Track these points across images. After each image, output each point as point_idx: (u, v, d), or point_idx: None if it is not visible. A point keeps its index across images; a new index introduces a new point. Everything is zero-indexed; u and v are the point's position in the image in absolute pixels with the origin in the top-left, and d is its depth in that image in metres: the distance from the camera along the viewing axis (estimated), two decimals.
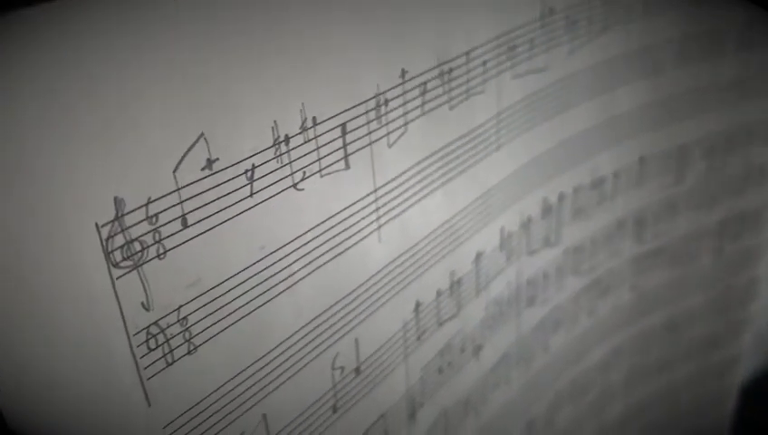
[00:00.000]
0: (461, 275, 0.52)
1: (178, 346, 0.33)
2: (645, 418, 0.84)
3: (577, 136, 0.59)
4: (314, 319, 0.40)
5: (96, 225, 0.29)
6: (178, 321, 0.33)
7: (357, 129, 0.39)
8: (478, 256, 0.53)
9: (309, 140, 0.36)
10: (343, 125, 0.38)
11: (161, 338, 0.33)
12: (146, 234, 0.31)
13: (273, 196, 0.35)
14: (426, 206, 0.46)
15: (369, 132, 0.40)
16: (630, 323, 0.75)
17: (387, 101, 0.40)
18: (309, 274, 0.39)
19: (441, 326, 0.52)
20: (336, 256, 0.40)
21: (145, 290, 0.31)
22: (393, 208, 0.43)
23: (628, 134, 0.63)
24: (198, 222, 0.32)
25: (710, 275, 0.79)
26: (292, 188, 0.36)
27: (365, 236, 0.42)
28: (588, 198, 0.63)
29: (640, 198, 0.68)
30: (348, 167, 0.39)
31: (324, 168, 0.38)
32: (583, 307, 0.69)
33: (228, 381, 0.36)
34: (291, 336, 0.39)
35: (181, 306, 0.33)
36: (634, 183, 0.67)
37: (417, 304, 0.49)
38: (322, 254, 0.39)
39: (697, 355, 0.84)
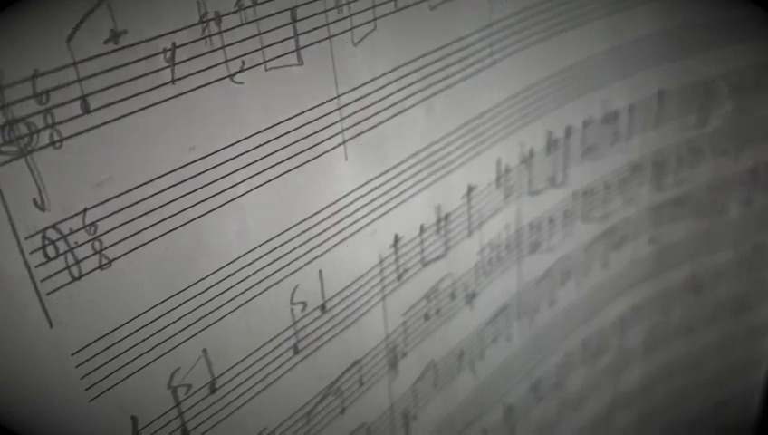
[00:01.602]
0: (449, 210, 0.46)
1: (86, 258, 0.28)
2: (665, 386, 0.77)
3: (586, 60, 0.52)
4: (266, 242, 0.35)
5: None
6: (85, 227, 0.28)
7: (311, 17, 0.33)
8: (470, 190, 0.47)
9: (248, 22, 0.31)
10: (293, 10, 0.32)
11: (62, 246, 0.28)
12: (34, 115, 0.25)
13: (203, 86, 0.30)
14: (403, 124, 0.40)
15: (328, 23, 0.34)
16: (649, 280, 0.69)
17: None
18: (255, 187, 0.34)
19: (426, 267, 0.46)
20: (290, 171, 0.35)
21: (37, 184, 0.26)
22: (361, 122, 0.38)
23: (644, 63, 0.57)
24: (104, 107, 0.27)
25: (738, 229, 0.72)
26: (228, 80, 0.31)
27: (327, 151, 0.36)
28: (599, 135, 0.56)
29: (659, 138, 0.61)
30: (301, 62, 0.34)
31: (270, 59, 0.32)
32: (596, 259, 0.62)
33: (156, 305, 0.31)
34: (236, 260, 0.34)
35: (87, 209, 0.28)
36: (652, 121, 0.60)
37: (396, 239, 0.43)
38: (272, 165, 0.34)
39: (724, 319, 0.77)
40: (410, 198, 0.43)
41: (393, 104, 0.39)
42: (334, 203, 0.38)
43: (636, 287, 0.68)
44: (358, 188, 0.39)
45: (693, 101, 0.62)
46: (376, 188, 0.40)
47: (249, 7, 0.31)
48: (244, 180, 0.33)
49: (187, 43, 0.29)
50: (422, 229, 0.45)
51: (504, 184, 0.50)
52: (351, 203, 0.39)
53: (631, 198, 0.62)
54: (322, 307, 0.39)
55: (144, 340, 0.31)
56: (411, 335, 0.47)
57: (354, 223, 0.40)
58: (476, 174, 0.47)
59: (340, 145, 0.37)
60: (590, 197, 0.59)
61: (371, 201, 0.40)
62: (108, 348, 0.30)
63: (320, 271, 0.38)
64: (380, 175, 0.40)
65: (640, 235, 0.65)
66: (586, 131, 0.55)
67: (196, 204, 0.31)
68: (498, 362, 0.57)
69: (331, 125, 0.36)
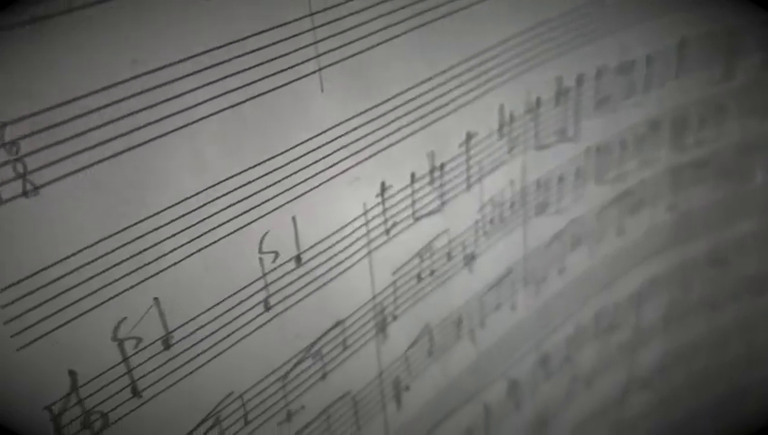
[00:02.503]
0: (445, 159, 0.42)
1: (7, 182, 0.25)
2: (686, 366, 0.72)
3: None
4: (227, 179, 0.31)
5: None
6: (4, 145, 0.24)
7: None
8: (469, 138, 0.43)
9: None
10: None
11: None
12: None
13: None
14: (390, 54, 0.36)
15: None
16: (668, 251, 0.64)
17: None
18: (214, 113, 0.30)
19: (418, 222, 0.42)
20: (256, 97, 0.31)
21: None
22: (340, 47, 0.34)
23: (665, 7, 0.52)
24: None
25: (765, 197, 0.67)
26: None
27: (299, 78, 0.32)
28: (614, 86, 0.52)
29: (680, 93, 0.56)
30: None
31: None
32: (610, 225, 0.58)
33: (95, 243, 0.27)
34: (191, 197, 0.30)
35: (7, 124, 0.24)
36: (672, 73, 0.55)
37: (384, 187, 0.39)
38: (235, 88, 0.30)
39: (749, 296, 0.72)
40: (399, 142, 0.38)
41: (378, 30, 0.35)
42: (309, 140, 0.34)
43: (653, 258, 0.63)
44: (337, 126, 0.35)
45: (717, 52, 0.57)
46: (358, 127, 0.36)
47: None
48: (200, 103, 0.29)
49: None
50: (413, 178, 0.40)
51: (508, 135, 0.46)
52: (330, 142, 0.35)
53: (648, 159, 0.58)
54: (297, 259, 0.35)
55: (81, 283, 0.27)
56: (402, 297, 0.43)
57: (333, 165, 0.35)
58: (476, 120, 0.43)
59: (314, 72, 0.33)
60: (605, 155, 0.54)
61: (353, 142, 0.36)
62: (38, 290, 0.26)
63: (293, 217, 0.34)
64: (363, 112, 0.36)
65: (658, 200, 0.60)
66: (599, 81, 0.51)
67: (142, 127, 0.27)
68: (501, 332, 0.52)
69: (303, 48, 0.32)
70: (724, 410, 0.77)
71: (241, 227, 0.32)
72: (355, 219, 0.38)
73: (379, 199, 0.39)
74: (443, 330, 0.47)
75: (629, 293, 0.63)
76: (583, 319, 0.60)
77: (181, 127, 0.29)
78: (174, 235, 0.30)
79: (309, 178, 0.34)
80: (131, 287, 0.29)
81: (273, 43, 0.31)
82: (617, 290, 0.62)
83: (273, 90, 0.31)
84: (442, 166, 0.42)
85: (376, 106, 0.36)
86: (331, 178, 0.35)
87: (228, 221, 0.32)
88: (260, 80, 0.31)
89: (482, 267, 0.48)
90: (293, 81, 0.32)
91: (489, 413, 0.54)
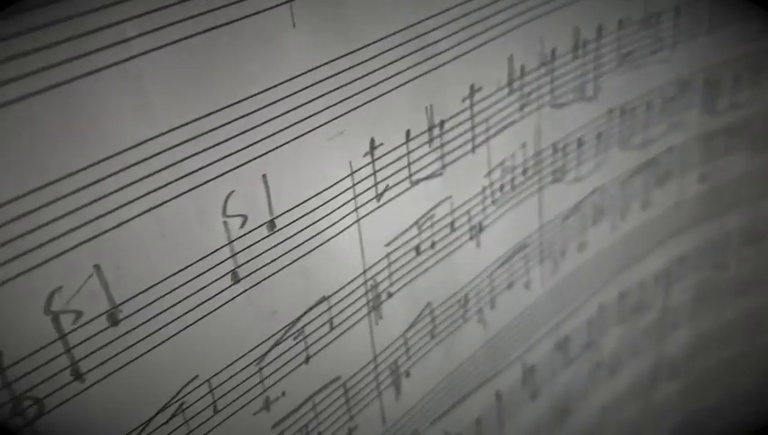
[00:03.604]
0: (445, 116, 0.37)
1: None
2: (718, 354, 0.67)
3: None
4: (179, 127, 0.27)
5: None
6: None
7: None
8: (473, 92, 0.38)
9: None
10: None
11: None
12: None
13: None
14: None
15: None
16: (699, 226, 0.58)
17: None
18: (158, 47, 0.25)
19: (415, 186, 0.37)
20: (211, 29, 0.26)
21: None
22: None
23: None
24: None
25: None
26: None
27: (265, 9, 0.28)
28: (638, 40, 0.46)
29: (712, 50, 0.51)
30: None
31: None
32: (635, 196, 0.53)
33: (19, 197, 0.23)
34: (136, 146, 0.26)
35: None
36: (704, 28, 0.50)
37: (373, 145, 0.34)
38: (183, 19, 0.25)
39: None
40: (389, 93, 0.34)
41: None
42: (281, 85, 0.29)
43: (683, 234, 0.58)
44: (313, 70, 0.30)
45: (755, 3, 0.51)
46: (339, 72, 0.31)
47: None
48: (140, 35, 0.24)
49: None
50: (408, 137, 0.36)
51: (519, 90, 0.41)
52: (305, 89, 0.30)
53: (678, 123, 0.52)
54: (271, 224, 0.31)
55: (4, 244, 0.23)
56: (398, 272, 0.38)
57: (311, 117, 0.31)
58: (480, 73, 0.38)
59: (284, 3, 0.28)
60: (629, 117, 0.49)
61: (334, 90, 0.31)
62: None
63: (263, 176, 0.30)
64: (344, 56, 0.31)
65: (688, 170, 0.55)
66: (621, 34, 0.45)
67: (68, 60, 0.23)
68: (515, 313, 0.48)
69: None
70: (759, 399, 0.71)
71: (199, 185, 0.28)
72: (339, 181, 0.33)
73: (368, 159, 0.34)
74: (447, 310, 0.42)
75: (656, 272, 0.58)
76: (606, 300, 0.55)
77: (118, 62, 0.24)
78: (117, 190, 0.25)
79: (281, 131, 0.30)
80: (66, 252, 0.25)
81: None
82: (642, 269, 0.56)
83: (234, 21, 0.27)
84: (442, 123, 0.37)
85: (360, 48, 0.32)
86: (309, 131, 0.31)
87: (184, 177, 0.27)
88: (217, 9, 0.26)
89: (491, 240, 0.43)
90: (259, 12, 0.27)
91: (502, 402, 0.49)
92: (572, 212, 0.48)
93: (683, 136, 0.53)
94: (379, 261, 0.37)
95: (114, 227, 0.26)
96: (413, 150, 0.36)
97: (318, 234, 0.33)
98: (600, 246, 0.52)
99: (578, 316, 0.53)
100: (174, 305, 0.29)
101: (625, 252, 0.54)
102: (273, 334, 0.33)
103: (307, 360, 0.35)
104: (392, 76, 0.34)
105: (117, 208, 0.26)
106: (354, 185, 0.34)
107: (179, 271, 0.28)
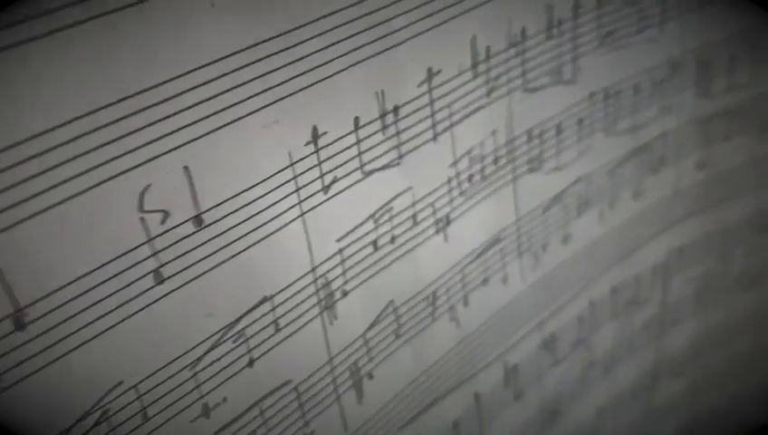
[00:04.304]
0: (399, 101, 0.35)
1: None
2: (724, 351, 0.64)
3: None
4: (80, 118, 0.25)
5: None
6: None
7: None
8: (431, 75, 0.36)
9: None
10: None
11: None
12: None
13: None
14: None
15: None
16: (699, 216, 0.55)
17: None
18: (51, 32, 0.23)
19: (368, 177, 0.35)
20: (115, 11, 0.24)
21: None
22: None
23: None
24: None
25: None
26: None
27: None
28: (620, 18, 0.44)
29: (705, 27, 0.48)
30: None
31: None
32: (625, 185, 0.50)
33: None
34: (29, 139, 0.24)
35: None
36: (695, 4, 0.47)
37: (316, 133, 0.32)
38: (69, 3, 0.23)
39: None
40: (333, 78, 0.31)
41: None
42: (200, 69, 0.27)
43: (681, 224, 0.55)
44: (239, 53, 0.28)
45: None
46: (270, 55, 0.29)
47: None
48: (35, 17, 0.23)
49: None
50: (357, 124, 0.33)
51: (485, 73, 0.38)
52: (229, 73, 0.28)
53: (670, 107, 0.49)
54: (197, 220, 0.29)
55: None
56: (354, 269, 0.36)
57: (240, 102, 0.29)
58: (440, 54, 0.36)
59: None
60: (614, 101, 0.46)
61: (265, 74, 0.29)
62: None
63: (185, 168, 0.28)
64: (276, 37, 0.29)
65: (684, 156, 0.52)
66: (601, 12, 0.42)
67: None
68: (492, 310, 0.45)
69: None
70: None
71: (109, 178, 0.26)
72: (278, 172, 0.31)
73: (311, 148, 0.32)
74: (413, 308, 0.40)
75: (653, 265, 0.55)
76: (598, 295, 0.52)
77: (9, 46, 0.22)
78: (15, 185, 0.24)
79: (202, 119, 0.28)
80: None
81: None
82: (638, 262, 0.54)
83: (143, 2, 0.25)
84: (396, 109, 0.35)
85: (295, 29, 0.29)
86: (235, 119, 0.29)
87: (90, 171, 0.25)
88: None
89: (461, 234, 0.41)
90: None
91: (481, 403, 0.47)
92: (553, 203, 0.46)
93: (677, 120, 0.50)
94: (331, 257, 0.35)
95: (14, 226, 0.24)
96: (364, 139, 0.34)
97: (255, 229, 0.31)
98: (588, 238, 0.49)
99: (565, 313, 0.50)
100: (90, 307, 0.27)
101: (616, 244, 0.51)
102: (209, 337, 0.31)
103: (251, 363, 0.33)
104: (335, 59, 0.31)
105: (12, 206, 0.24)
106: (296, 177, 0.32)
107: (91, 271, 0.26)
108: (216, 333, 0.31)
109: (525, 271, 0.46)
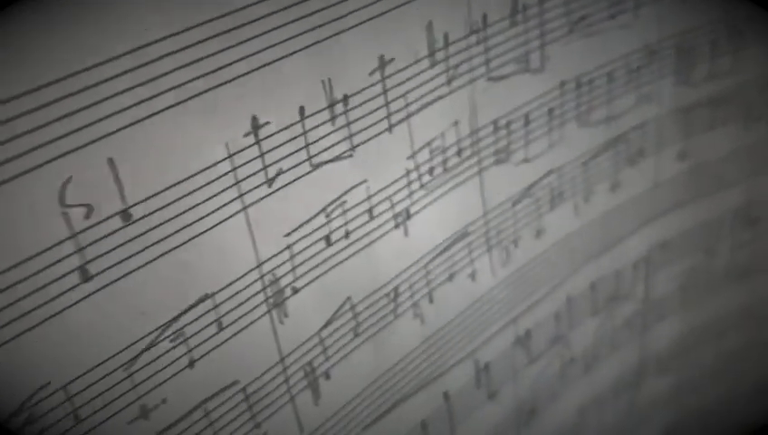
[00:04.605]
0: (349, 90, 0.33)
1: None
2: (713, 347, 0.62)
3: None
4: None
5: None
6: None
7: None
8: (383, 63, 0.34)
9: None
10: None
11: None
12: None
13: None
14: None
15: None
16: (682, 208, 0.54)
17: None
18: None
19: (317, 169, 0.33)
20: None
21: None
22: None
23: None
24: None
25: None
26: None
27: None
28: (592, 3, 0.42)
29: (682, 12, 0.46)
30: None
31: None
32: (602, 177, 0.48)
33: None
34: None
35: None
36: None
37: (256, 124, 0.31)
38: None
39: None
40: (274, 64, 0.30)
41: None
42: (124, 55, 0.26)
43: (664, 217, 0.53)
44: (169, 37, 0.27)
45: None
46: (203, 40, 0.28)
47: None
48: None
49: None
50: (303, 114, 0.32)
51: (444, 62, 0.37)
52: (160, 59, 0.27)
53: (648, 96, 0.47)
54: (125, 215, 0.28)
55: None
56: (305, 265, 0.35)
57: (170, 90, 0.27)
58: (393, 42, 0.34)
59: None
60: (587, 90, 0.44)
61: (197, 60, 0.28)
62: None
63: (109, 159, 0.27)
64: (209, 21, 0.28)
65: (665, 147, 0.50)
66: None
67: None
68: (459, 306, 0.44)
69: None
70: (763, 396, 0.66)
71: (27, 171, 0.25)
72: (214, 164, 0.30)
73: (252, 139, 0.31)
74: (373, 305, 0.38)
75: (634, 259, 0.53)
76: (575, 291, 0.51)
77: None
78: None
79: (131, 107, 0.26)
80: None
81: None
82: (617, 256, 0.52)
83: None
84: (346, 99, 0.33)
85: (231, 12, 0.28)
86: (164, 108, 0.27)
87: (5, 163, 0.24)
88: None
89: (423, 229, 0.39)
90: None
91: (451, 403, 0.45)
92: (524, 196, 0.44)
93: (656, 110, 0.49)
94: (279, 253, 0.33)
95: None
96: (311, 130, 0.33)
97: (192, 224, 0.30)
98: (562, 232, 0.47)
99: (541, 309, 0.49)
100: (9, 306, 0.26)
101: (594, 238, 0.50)
102: (144, 337, 0.30)
103: (192, 364, 0.32)
104: (276, 44, 0.30)
105: None
106: (235, 169, 0.30)
107: (11, 267, 0.25)
108: (152, 332, 0.30)
109: (496, 266, 0.45)
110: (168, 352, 0.31)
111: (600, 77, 0.44)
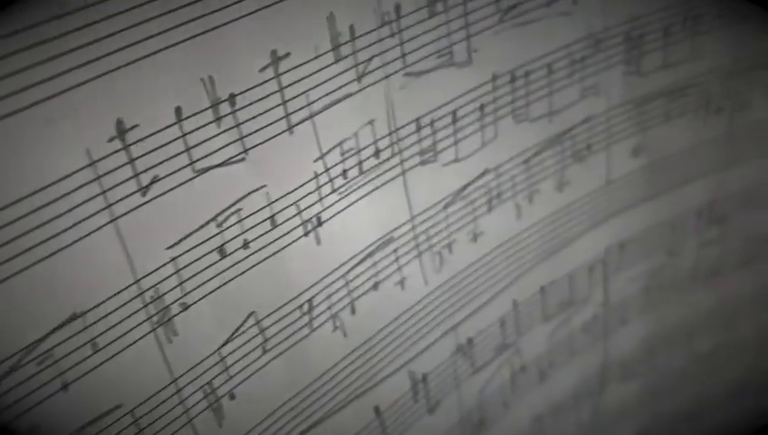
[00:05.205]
0: (236, 89, 0.31)
1: None
2: (684, 349, 0.59)
3: None
4: None
5: None
6: None
7: None
8: (276, 58, 0.31)
9: None
10: None
11: None
12: None
13: None
14: None
15: None
16: (640, 206, 0.50)
17: None
18: None
19: (201, 175, 0.31)
20: None
21: None
22: None
23: None
24: None
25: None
26: None
27: None
28: None
29: None
30: None
31: None
32: (545, 175, 0.45)
33: None
34: None
35: None
36: None
37: (122, 127, 0.28)
38: None
39: (763, 258, 0.58)
40: (141, 61, 0.27)
41: None
42: None
43: (620, 217, 0.50)
44: (16, 34, 0.24)
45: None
46: (56, 37, 0.25)
47: None
48: None
49: None
50: (180, 115, 0.29)
51: (352, 56, 0.34)
52: (4, 58, 0.24)
53: (596, 88, 0.44)
54: None
55: None
56: (195, 279, 0.32)
57: (14, 93, 0.25)
58: (287, 35, 0.31)
59: None
60: (524, 84, 0.41)
61: (47, 60, 0.25)
62: None
63: None
64: (63, 15, 0.25)
65: (616, 142, 0.47)
66: None
67: None
68: (389, 317, 0.41)
69: None
70: (738, 399, 0.63)
71: None
72: (73, 173, 0.27)
73: (118, 145, 0.28)
74: (283, 319, 0.36)
75: (590, 262, 0.50)
76: (523, 295, 0.48)
77: None
78: None
79: None
80: None
81: None
82: (570, 259, 0.49)
83: None
84: (232, 98, 0.31)
85: (93, 4, 0.26)
86: (9, 114, 0.25)
87: None
88: None
89: (338, 236, 0.37)
90: None
91: (384, 418, 0.43)
92: (457, 198, 0.41)
93: (605, 103, 0.45)
94: (161, 268, 0.31)
95: None
96: (191, 132, 0.30)
97: (51, 238, 0.27)
98: (503, 235, 0.45)
99: (484, 316, 0.46)
100: None
101: (541, 241, 0.47)
102: (5, 359, 0.27)
103: (65, 387, 0.29)
104: (144, 39, 0.27)
105: None
106: (99, 177, 0.28)
107: None
108: (14, 355, 0.27)
109: (428, 273, 0.42)
110: (34, 375, 0.28)
111: (537, 69, 0.41)
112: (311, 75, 0.33)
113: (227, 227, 0.32)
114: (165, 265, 0.31)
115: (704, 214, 0.53)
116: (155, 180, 0.29)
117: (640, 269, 0.53)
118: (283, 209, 0.34)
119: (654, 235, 0.52)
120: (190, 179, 0.30)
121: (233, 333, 0.34)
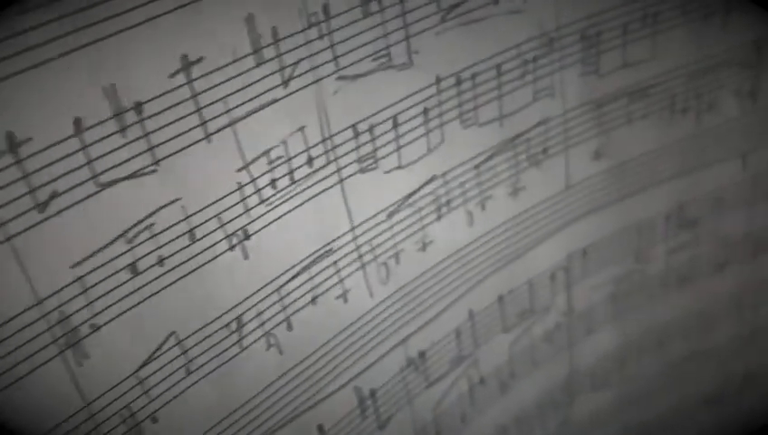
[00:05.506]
0: (142, 97, 0.29)
1: None
2: (656, 357, 0.57)
3: None
4: None
5: None
6: None
7: None
8: (187, 63, 0.30)
9: None
10: None
11: None
12: None
13: None
14: None
15: None
16: (603, 212, 0.48)
17: None
18: None
19: (107, 189, 0.29)
20: None
21: None
22: None
23: None
24: None
25: (743, 132, 0.50)
26: None
27: None
28: None
29: None
30: None
31: None
32: (498, 180, 0.43)
33: None
34: None
35: None
36: None
37: (14, 140, 0.26)
38: None
39: (738, 262, 0.56)
40: (34, 70, 0.26)
41: None
42: None
43: (581, 223, 0.48)
44: None
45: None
46: None
47: None
48: None
49: None
50: (80, 126, 0.27)
51: (277, 59, 0.32)
52: None
53: (550, 90, 0.42)
54: None
55: None
56: (104, 299, 0.30)
57: None
58: (199, 38, 0.29)
59: None
60: (471, 87, 0.39)
61: None
62: None
63: None
64: None
65: (576, 145, 0.45)
66: None
67: None
68: (330, 332, 0.39)
69: None
70: (720, 406, 0.61)
71: None
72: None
73: (10, 159, 0.26)
74: (208, 338, 0.34)
75: (550, 269, 0.48)
76: (478, 305, 0.46)
77: None
78: None
79: None
80: None
81: None
82: (529, 266, 0.47)
83: None
84: (139, 106, 0.29)
85: None
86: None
87: None
88: None
89: (269, 249, 0.35)
90: None
91: None
92: (402, 206, 0.39)
93: (561, 105, 0.43)
94: (66, 287, 0.29)
95: None
96: (93, 144, 0.28)
97: None
98: (454, 243, 0.43)
99: (436, 327, 0.44)
100: None
101: (497, 248, 0.45)
102: None
103: None
104: (36, 46, 0.26)
105: None
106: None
107: None
108: None
109: (373, 285, 0.40)
110: None
111: (485, 71, 0.39)
112: (228, 80, 0.31)
113: (138, 244, 0.30)
114: (70, 284, 0.29)
115: (672, 218, 0.51)
116: (54, 196, 0.27)
117: (606, 276, 0.51)
118: (202, 223, 0.32)
119: (619, 240, 0.50)
120: (94, 194, 0.29)
121: (151, 355, 0.32)
